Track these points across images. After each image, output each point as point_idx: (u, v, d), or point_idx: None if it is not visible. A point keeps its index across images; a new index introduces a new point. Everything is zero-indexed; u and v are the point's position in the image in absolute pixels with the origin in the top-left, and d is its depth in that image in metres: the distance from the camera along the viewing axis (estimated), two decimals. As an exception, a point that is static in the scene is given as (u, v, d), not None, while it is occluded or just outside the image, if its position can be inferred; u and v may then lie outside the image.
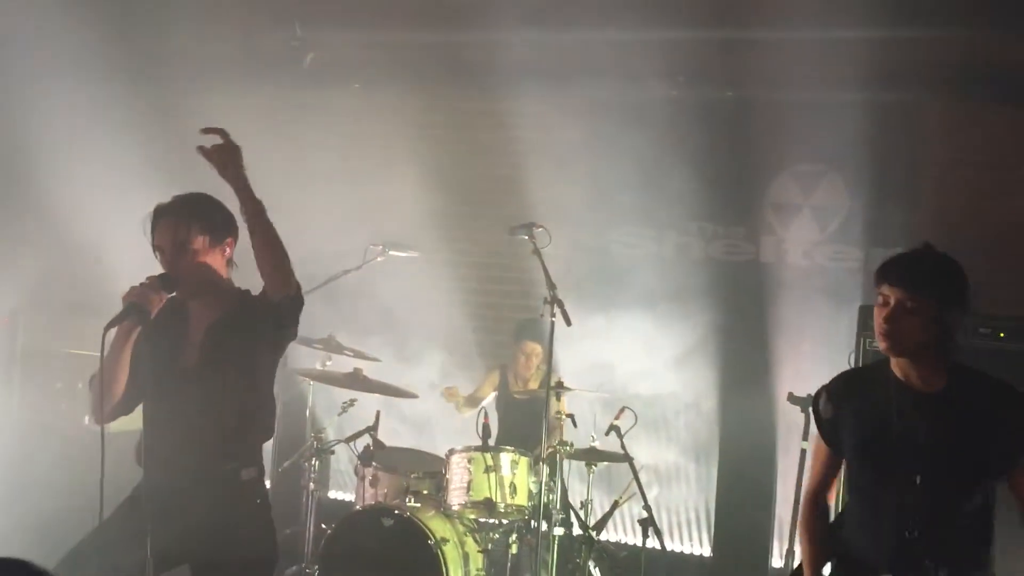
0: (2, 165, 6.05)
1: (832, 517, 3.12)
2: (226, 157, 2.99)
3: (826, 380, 3.05)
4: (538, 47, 5.87)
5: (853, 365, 4.65)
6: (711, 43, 5.73)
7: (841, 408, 2.95)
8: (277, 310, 3.10)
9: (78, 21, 5.48)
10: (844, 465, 3.04)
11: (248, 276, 3.23)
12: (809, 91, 5.75)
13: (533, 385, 5.73)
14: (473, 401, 5.89)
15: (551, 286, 4.77)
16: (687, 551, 6.20)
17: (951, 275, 2.81)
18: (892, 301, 2.78)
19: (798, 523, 3.13)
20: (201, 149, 3.00)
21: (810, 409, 3.10)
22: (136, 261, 3.23)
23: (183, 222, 3.10)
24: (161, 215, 3.15)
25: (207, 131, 2.98)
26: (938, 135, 5.87)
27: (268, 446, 5.37)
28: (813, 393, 3.06)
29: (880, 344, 2.82)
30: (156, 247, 3.15)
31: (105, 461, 2.85)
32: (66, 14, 5.39)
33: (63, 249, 5.93)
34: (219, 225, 3.17)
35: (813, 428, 3.07)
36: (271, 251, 3.03)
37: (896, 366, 2.88)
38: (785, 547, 5.17)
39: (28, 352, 6.03)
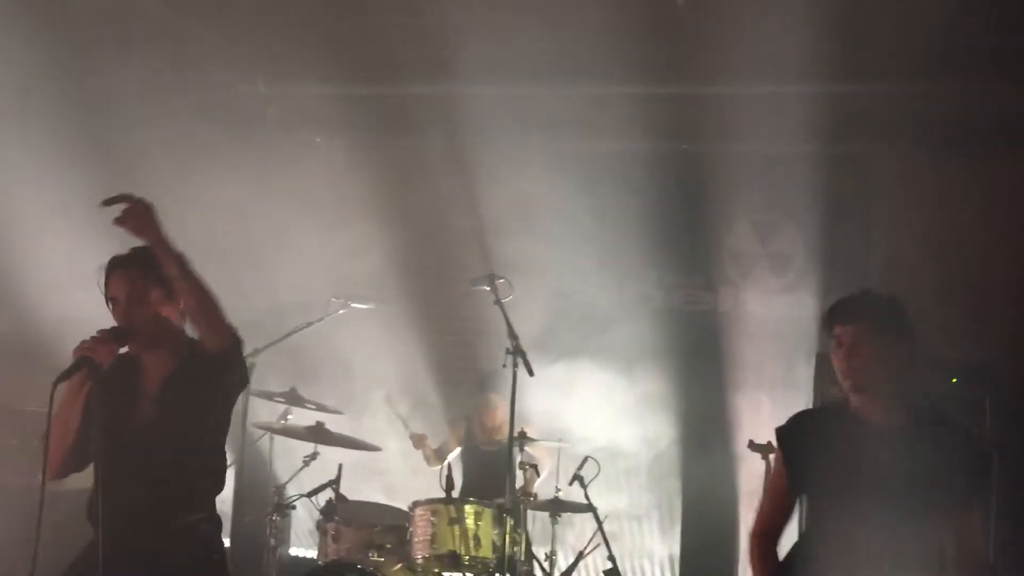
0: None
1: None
2: (138, 222, 2.94)
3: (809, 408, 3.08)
4: (498, 101, 5.95)
5: (812, 410, 4.70)
6: (666, 98, 5.86)
7: (806, 446, 2.98)
8: (218, 362, 3.07)
9: (27, 63, 5.48)
10: (804, 502, 3.06)
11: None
12: (763, 143, 5.90)
13: (499, 436, 5.72)
14: (441, 455, 5.86)
15: (513, 336, 4.79)
16: (653, 601, 6.18)
17: (896, 308, 2.92)
18: (847, 340, 2.85)
19: (750, 563, 3.10)
20: (116, 221, 2.95)
21: (773, 450, 3.12)
22: (88, 313, 3.19)
23: (139, 274, 3.08)
24: (116, 266, 3.12)
25: (108, 203, 2.93)
26: (889, 184, 6.03)
27: (228, 502, 5.32)
28: (774, 438, 3.09)
29: (845, 384, 2.89)
30: (110, 299, 3.11)
31: (61, 518, 2.79)
32: (13, 59, 5.38)
33: (11, 299, 5.85)
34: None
35: (775, 464, 3.09)
36: (201, 306, 3.00)
37: (857, 404, 2.92)
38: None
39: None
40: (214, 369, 3.09)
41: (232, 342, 3.08)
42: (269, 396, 5.38)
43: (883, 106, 5.73)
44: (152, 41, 5.62)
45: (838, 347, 2.88)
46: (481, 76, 5.69)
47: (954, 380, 4.55)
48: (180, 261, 2.98)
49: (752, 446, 5.16)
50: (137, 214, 2.94)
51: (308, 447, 5.35)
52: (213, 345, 3.03)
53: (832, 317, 2.91)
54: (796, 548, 3.09)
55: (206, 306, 3.01)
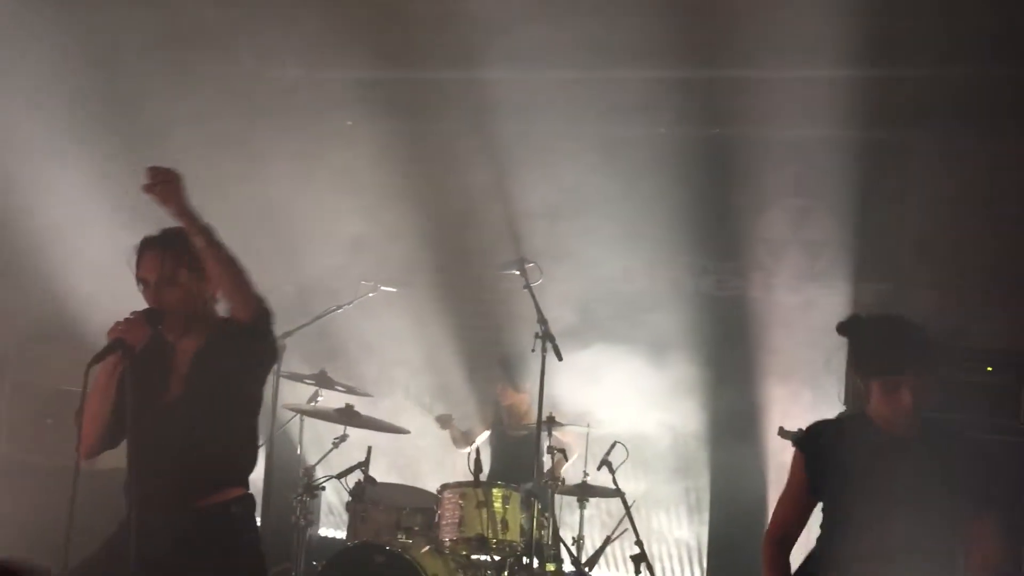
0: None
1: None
2: (166, 190, 2.97)
3: (815, 414, 3.09)
4: (529, 85, 5.93)
5: (843, 400, 4.67)
6: (699, 81, 5.80)
7: (829, 452, 2.98)
8: (248, 332, 3.09)
9: (58, 48, 5.53)
10: (824, 513, 3.04)
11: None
12: (797, 128, 5.83)
13: (528, 420, 5.73)
14: (468, 438, 5.89)
15: (542, 321, 4.79)
16: (681, 588, 6.17)
17: (939, 346, 3.00)
18: (911, 385, 2.86)
19: (763, 565, 3.08)
20: (144, 188, 2.98)
21: (797, 448, 3.10)
22: (123, 294, 3.22)
23: (169, 255, 3.10)
24: (147, 248, 3.14)
25: (147, 183, 2.96)
26: (925, 170, 5.94)
27: (258, 483, 5.38)
28: (802, 429, 3.08)
29: (897, 420, 2.91)
30: (140, 279, 3.14)
31: (94, 497, 2.83)
32: (46, 42, 5.44)
33: (51, 284, 5.93)
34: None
35: (792, 471, 3.06)
36: (227, 274, 3.03)
37: (878, 414, 2.94)
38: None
39: (18, 388, 6.00)
40: (244, 341, 3.10)
41: (261, 312, 3.10)
42: (299, 378, 5.42)
43: (919, 90, 5.65)
44: (182, 26, 5.66)
45: (897, 389, 2.87)
46: (512, 61, 5.66)
47: (989, 369, 4.49)
48: (207, 232, 3.00)
49: (782, 432, 5.11)
50: (165, 182, 2.96)
51: (338, 429, 5.39)
52: (243, 315, 3.06)
53: (899, 364, 2.88)
54: (813, 556, 3.07)
55: (234, 276, 3.03)
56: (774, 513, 3.11)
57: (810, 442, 3.03)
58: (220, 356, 3.12)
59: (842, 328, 3.03)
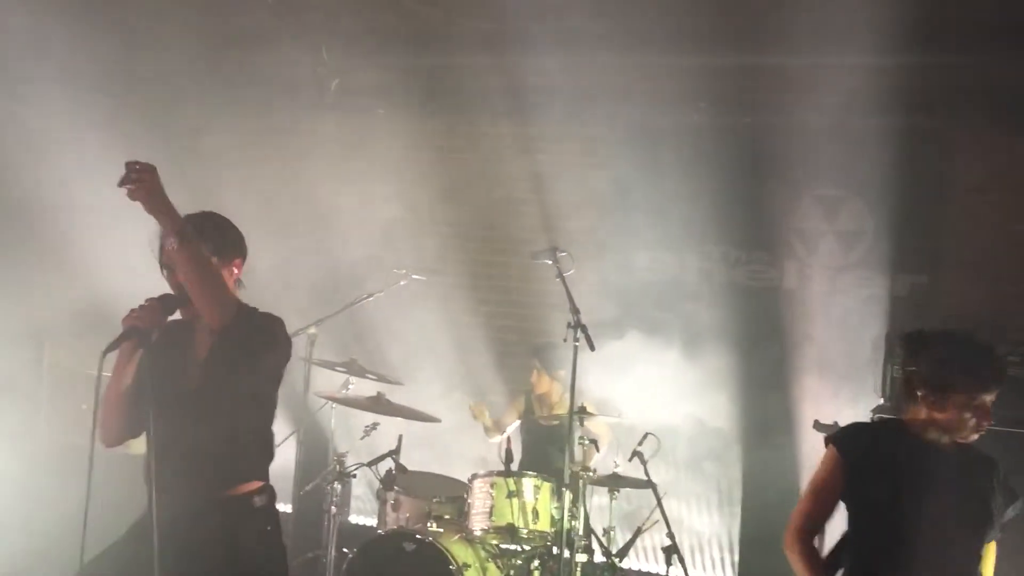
0: (27, 192, 6.14)
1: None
2: (140, 186, 2.81)
3: (850, 407, 3.07)
4: (560, 72, 5.90)
5: (879, 392, 4.62)
6: (733, 69, 5.74)
7: (870, 458, 2.96)
8: (251, 353, 3.04)
9: (92, 44, 5.58)
10: (851, 517, 3.01)
11: (255, 295, 3.23)
12: (832, 116, 5.75)
13: (559, 410, 5.72)
14: (499, 427, 5.88)
15: (575, 311, 4.77)
16: (711, 580, 6.14)
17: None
18: (988, 402, 2.87)
19: (798, 559, 3.03)
20: (119, 182, 2.82)
21: (833, 447, 3.05)
22: (159, 278, 3.23)
23: None
24: (168, 234, 3.09)
25: (121, 178, 2.80)
26: (963, 160, 5.85)
27: (290, 469, 5.41)
28: (837, 423, 3.06)
29: (975, 435, 2.92)
30: (164, 265, 3.12)
31: (121, 483, 2.82)
32: (76, 35, 5.49)
33: (88, 271, 6.00)
34: (227, 245, 3.13)
35: (826, 466, 3.03)
36: (197, 278, 2.92)
37: (922, 428, 2.92)
38: None
39: (55, 373, 6.09)
40: (254, 333, 3.06)
41: (231, 317, 3.00)
42: (330, 366, 5.43)
43: (958, 78, 5.55)
44: (214, 16, 5.69)
45: (979, 406, 2.86)
46: (543, 48, 5.63)
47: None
48: (181, 232, 2.89)
49: (817, 426, 5.07)
50: (140, 178, 2.80)
51: (368, 417, 5.40)
52: (211, 321, 2.99)
53: (987, 382, 2.88)
54: (837, 554, 3.05)
55: (203, 281, 2.94)
56: (802, 506, 3.06)
57: (849, 444, 2.99)
58: (235, 345, 3.07)
59: (915, 341, 2.99)
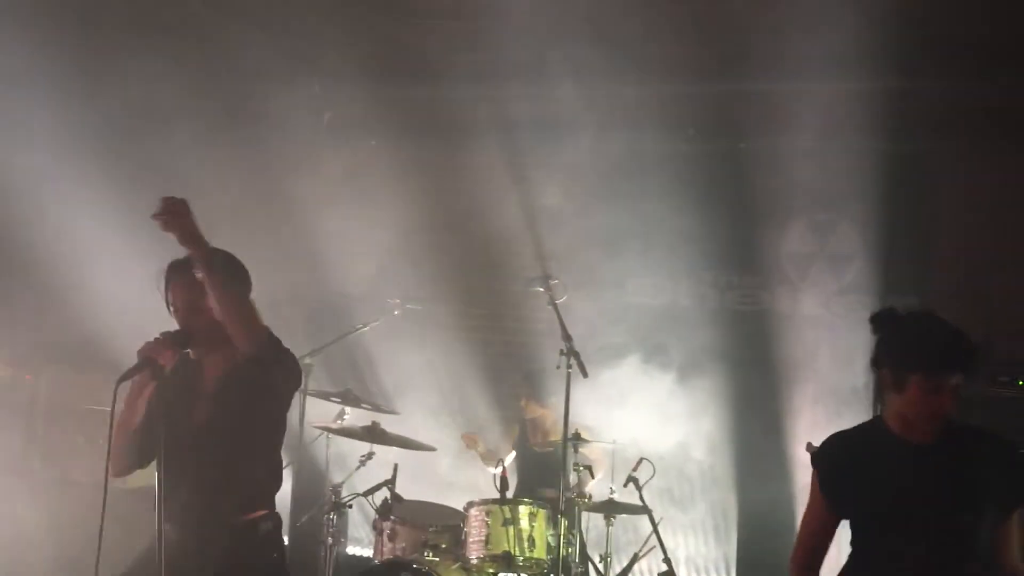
0: (13, 226, 6.17)
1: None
2: (173, 219, 2.94)
3: (843, 428, 3.05)
4: (551, 102, 5.95)
5: (872, 414, 4.62)
6: (721, 95, 5.80)
7: (841, 467, 2.94)
8: (255, 363, 3.08)
9: (82, 79, 5.63)
10: (848, 523, 3.01)
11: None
12: (820, 141, 5.80)
13: (553, 437, 5.72)
14: (494, 455, 5.88)
15: (567, 337, 4.79)
16: (709, 605, 6.12)
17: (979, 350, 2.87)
18: (946, 386, 2.77)
19: None
20: (153, 215, 2.96)
21: (812, 465, 3.06)
22: (152, 314, 3.26)
23: (195, 281, 3.11)
24: (174, 273, 3.18)
25: (156, 212, 2.94)
26: (952, 181, 5.90)
27: (285, 501, 5.39)
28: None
29: (927, 427, 2.82)
30: (170, 305, 3.19)
31: (124, 515, 2.85)
32: (64, 71, 5.54)
33: (83, 306, 6.02)
34: (232, 282, 3.17)
35: (812, 488, 3.03)
36: (227, 305, 3.02)
37: (894, 420, 2.88)
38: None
39: (51, 407, 6.08)
40: (257, 370, 3.12)
41: (262, 343, 3.09)
42: (325, 396, 5.44)
43: (945, 102, 5.61)
44: (205, 47, 5.74)
45: (938, 390, 2.77)
46: (533, 78, 5.69)
47: (1021, 383, 4.43)
48: (209, 263, 2.98)
49: (810, 448, 5.05)
50: (173, 211, 2.93)
51: (363, 447, 5.40)
52: (243, 347, 3.06)
53: (940, 363, 2.78)
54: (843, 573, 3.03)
55: (234, 308, 3.02)
56: (798, 535, 3.07)
57: (823, 456, 2.99)
58: (242, 382, 3.14)
59: (883, 318, 2.91)
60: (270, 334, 3.14)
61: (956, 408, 2.80)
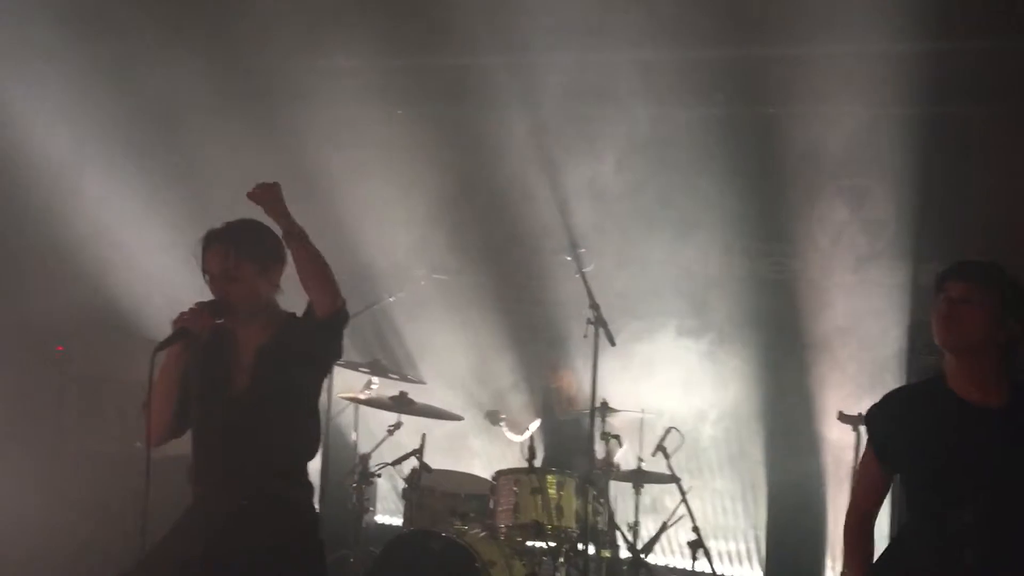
0: (46, 194, 6.22)
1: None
2: (265, 196, 3.13)
3: (875, 398, 3.00)
4: (578, 69, 5.88)
5: (906, 383, 4.56)
6: (751, 60, 5.70)
7: (897, 426, 2.88)
8: (325, 327, 3.16)
9: (95, 55, 5.65)
10: (902, 485, 2.96)
11: (292, 301, 3.27)
12: (853, 105, 5.69)
13: (580, 407, 5.71)
14: (520, 427, 5.88)
15: (594, 307, 4.76)
16: (738, 574, 6.10)
17: (1013, 280, 2.80)
18: (955, 294, 2.75)
19: (844, 545, 3.04)
20: (249, 194, 3.16)
21: (863, 427, 3.03)
22: (186, 285, 3.28)
23: (232, 250, 3.16)
24: (212, 241, 3.20)
25: (252, 191, 3.17)
26: (987, 146, 5.77)
27: (315, 470, 5.44)
28: (864, 411, 3.00)
29: (938, 337, 2.78)
30: (206, 272, 3.21)
31: (155, 485, 2.89)
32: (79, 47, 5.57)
33: (113, 277, 6.07)
34: (268, 252, 3.22)
35: (863, 447, 3.02)
36: (320, 270, 3.13)
37: (953, 381, 2.82)
38: (839, 569, 5.07)
39: (81, 378, 6.15)
40: (315, 336, 3.18)
41: (340, 310, 3.19)
42: (353, 366, 5.46)
43: (980, 65, 5.48)
44: (230, 22, 5.73)
45: (944, 300, 2.76)
46: (559, 44, 5.62)
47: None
48: (300, 234, 3.12)
49: (842, 417, 5.04)
50: (268, 190, 3.13)
51: (391, 417, 5.42)
52: (324, 309, 3.14)
53: (947, 272, 2.80)
54: (898, 536, 3.00)
55: (324, 270, 3.14)
56: (851, 494, 3.06)
57: (878, 411, 2.94)
58: (284, 352, 3.18)
59: None
60: (346, 306, 3.23)
61: (978, 335, 2.72)
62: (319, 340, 3.20)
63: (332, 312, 3.14)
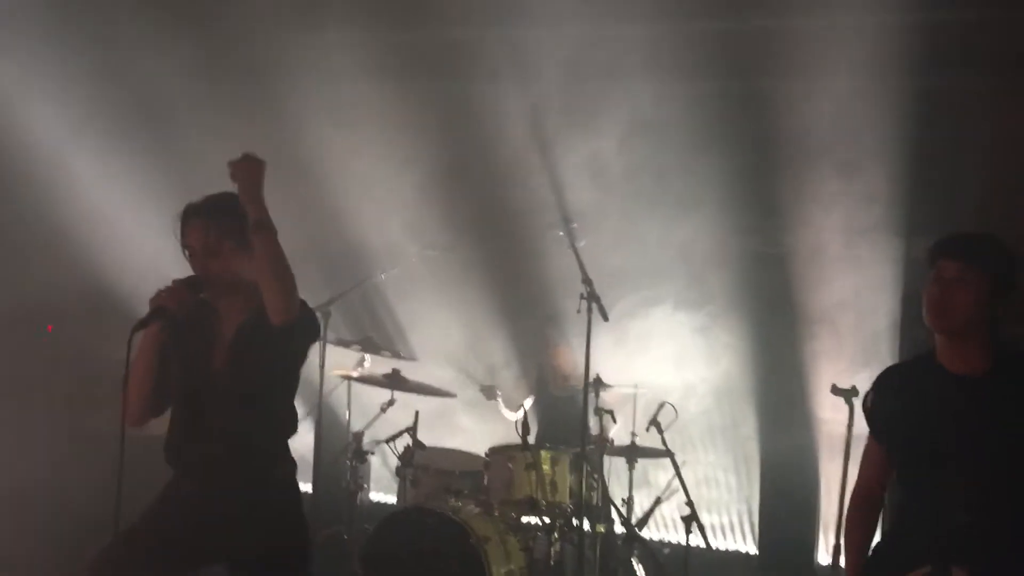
0: (36, 174, 6.17)
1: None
2: (247, 173, 3.02)
3: (868, 372, 3.02)
4: (572, 43, 5.83)
5: (898, 357, 4.57)
6: (743, 33, 5.65)
7: (889, 402, 2.91)
8: (280, 334, 3.04)
9: (92, 28, 5.58)
10: (897, 465, 2.97)
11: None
12: (847, 78, 5.65)
13: (573, 382, 5.71)
14: (515, 403, 5.89)
15: (587, 282, 4.75)
16: (732, 548, 6.14)
17: (1008, 254, 2.80)
18: (948, 274, 2.74)
19: (845, 521, 3.07)
20: (230, 162, 3.05)
21: (856, 394, 3.06)
22: (167, 263, 3.25)
23: (213, 224, 3.10)
24: (191, 216, 3.15)
25: (234, 161, 3.05)
26: (981, 119, 5.74)
27: (307, 448, 5.43)
28: (856, 384, 3.02)
29: (928, 319, 2.78)
30: (186, 247, 3.16)
31: (144, 464, 2.88)
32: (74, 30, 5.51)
33: (102, 254, 6.02)
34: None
35: (865, 427, 3.02)
36: (281, 273, 2.99)
37: (941, 354, 2.83)
38: (832, 543, 5.08)
39: (72, 357, 6.12)
40: (276, 338, 3.08)
41: (293, 319, 3.04)
42: (345, 344, 5.44)
43: (975, 36, 5.44)
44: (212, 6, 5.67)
45: (936, 281, 2.75)
46: (550, 18, 5.57)
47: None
48: (264, 226, 2.99)
49: (835, 390, 5.03)
50: (250, 165, 3.02)
51: (384, 394, 5.41)
52: (275, 315, 3.00)
53: (939, 248, 2.79)
54: (896, 520, 3.01)
55: (276, 277, 2.98)
56: (858, 472, 3.07)
57: (872, 390, 2.97)
58: (261, 331, 3.10)
59: None
60: (301, 309, 3.11)
61: (975, 316, 2.72)
62: (276, 343, 3.09)
63: (285, 321, 3.00)
